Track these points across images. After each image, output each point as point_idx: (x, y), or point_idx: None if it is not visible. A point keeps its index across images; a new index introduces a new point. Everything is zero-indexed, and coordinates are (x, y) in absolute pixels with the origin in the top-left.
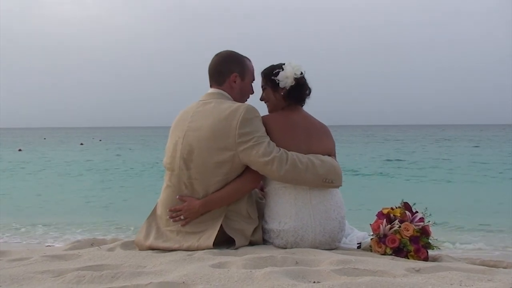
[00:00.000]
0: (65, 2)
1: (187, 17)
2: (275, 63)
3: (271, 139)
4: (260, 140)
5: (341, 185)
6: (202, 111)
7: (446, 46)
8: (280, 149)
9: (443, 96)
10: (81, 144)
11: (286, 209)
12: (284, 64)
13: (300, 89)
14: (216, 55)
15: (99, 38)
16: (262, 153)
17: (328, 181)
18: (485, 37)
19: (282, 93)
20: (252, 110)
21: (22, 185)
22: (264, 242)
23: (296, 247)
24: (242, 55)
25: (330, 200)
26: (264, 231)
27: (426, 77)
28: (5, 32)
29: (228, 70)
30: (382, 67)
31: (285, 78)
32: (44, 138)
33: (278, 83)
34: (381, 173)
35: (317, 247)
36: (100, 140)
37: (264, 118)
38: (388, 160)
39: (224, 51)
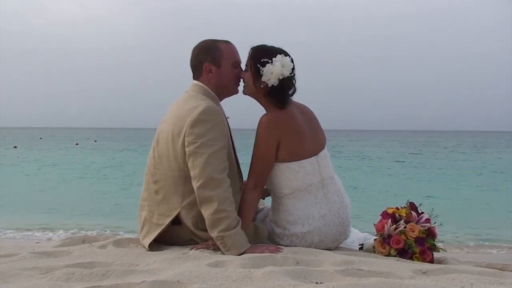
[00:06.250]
0: (65, 4)
1: (192, 20)
2: (268, 45)
3: (285, 151)
4: (202, 148)
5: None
6: (174, 104)
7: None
8: (213, 175)
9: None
10: (76, 144)
11: (308, 211)
12: (277, 55)
13: (281, 92)
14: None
15: (100, 41)
16: (196, 165)
17: (220, 239)
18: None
19: (262, 86)
20: (209, 112)
21: (14, 181)
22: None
23: (320, 245)
24: (214, 40)
25: (340, 188)
26: (282, 237)
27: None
28: (3, 33)
29: (199, 62)
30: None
31: (270, 74)
32: (40, 138)
33: (261, 75)
34: None
35: (337, 240)
36: (96, 141)
37: (275, 128)
38: None
39: (198, 42)
